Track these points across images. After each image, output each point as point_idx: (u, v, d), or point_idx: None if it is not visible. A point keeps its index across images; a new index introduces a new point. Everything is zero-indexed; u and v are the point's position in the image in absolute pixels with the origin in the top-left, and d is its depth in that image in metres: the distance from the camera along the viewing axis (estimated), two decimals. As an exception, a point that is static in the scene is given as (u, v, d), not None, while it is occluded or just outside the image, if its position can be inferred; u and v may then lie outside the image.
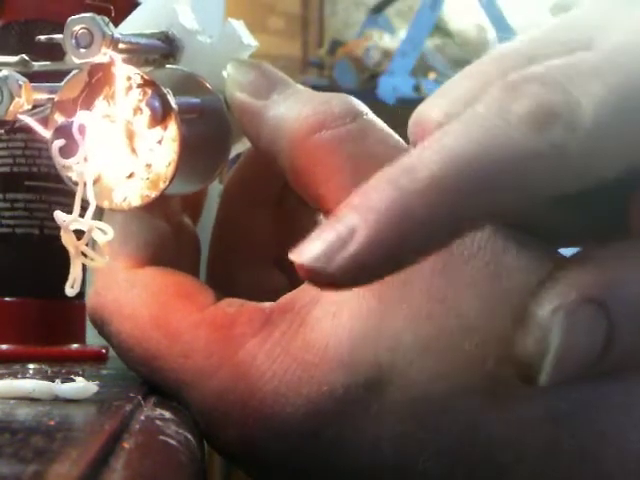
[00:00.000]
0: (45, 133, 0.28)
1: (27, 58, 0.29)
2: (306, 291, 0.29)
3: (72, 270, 0.29)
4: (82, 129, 0.28)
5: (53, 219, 0.45)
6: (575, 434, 0.26)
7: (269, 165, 0.35)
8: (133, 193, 0.30)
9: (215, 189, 0.37)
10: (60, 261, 0.30)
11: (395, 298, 0.27)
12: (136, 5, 0.35)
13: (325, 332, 0.27)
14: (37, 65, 0.30)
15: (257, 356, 0.28)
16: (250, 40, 0.33)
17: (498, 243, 0.27)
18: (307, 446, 0.28)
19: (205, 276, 0.36)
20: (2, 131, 0.41)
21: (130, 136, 0.30)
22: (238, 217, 0.37)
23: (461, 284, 0.27)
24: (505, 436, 0.26)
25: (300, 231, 0.39)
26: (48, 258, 0.45)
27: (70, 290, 0.29)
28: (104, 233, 0.29)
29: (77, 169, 0.28)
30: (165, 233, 0.33)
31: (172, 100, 0.29)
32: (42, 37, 0.30)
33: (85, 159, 0.28)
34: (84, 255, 0.29)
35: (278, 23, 2.54)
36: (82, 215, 0.29)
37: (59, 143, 0.28)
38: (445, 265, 0.27)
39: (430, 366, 0.26)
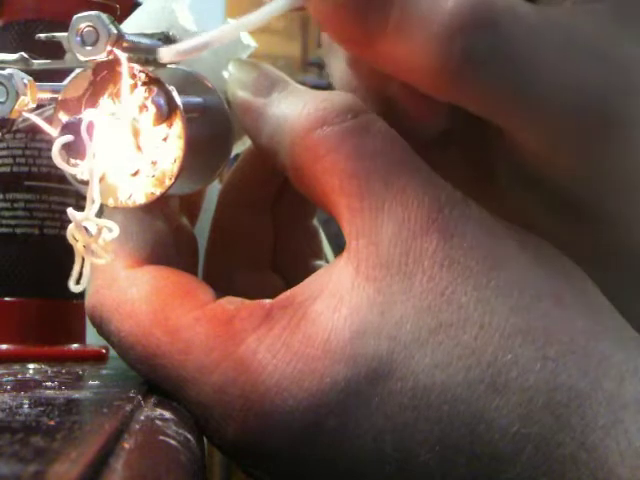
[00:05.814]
0: (52, 131, 0.28)
1: (26, 56, 0.29)
2: (306, 287, 0.29)
3: (76, 267, 0.29)
4: (90, 127, 0.28)
5: (53, 219, 0.46)
6: (571, 423, 0.26)
7: (266, 167, 0.35)
8: (138, 191, 0.30)
9: (213, 190, 0.37)
10: (60, 261, 0.30)
11: (395, 291, 0.27)
12: (136, 5, 0.35)
13: (326, 326, 0.27)
14: (37, 63, 0.30)
15: (258, 351, 0.28)
16: (249, 41, 0.33)
17: (497, 236, 0.28)
18: (308, 439, 0.28)
19: (202, 277, 0.36)
20: (1, 132, 0.41)
21: (135, 134, 0.29)
22: (235, 219, 0.37)
23: (460, 277, 0.27)
24: (505, 426, 0.26)
25: (296, 234, 0.39)
26: (48, 258, 0.45)
27: (75, 287, 0.29)
28: (110, 231, 0.29)
29: (86, 167, 0.28)
30: (164, 234, 0.33)
31: (177, 97, 0.29)
32: (42, 35, 0.30)
33: (93, 156, 0.28)
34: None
35: (278, 23, 2.54)
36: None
37: (66, 139, 0.28)
38: (445, 258, 0.27)
39: (430, 358, 0.27)
